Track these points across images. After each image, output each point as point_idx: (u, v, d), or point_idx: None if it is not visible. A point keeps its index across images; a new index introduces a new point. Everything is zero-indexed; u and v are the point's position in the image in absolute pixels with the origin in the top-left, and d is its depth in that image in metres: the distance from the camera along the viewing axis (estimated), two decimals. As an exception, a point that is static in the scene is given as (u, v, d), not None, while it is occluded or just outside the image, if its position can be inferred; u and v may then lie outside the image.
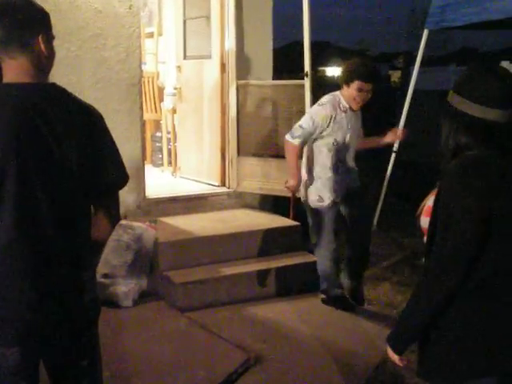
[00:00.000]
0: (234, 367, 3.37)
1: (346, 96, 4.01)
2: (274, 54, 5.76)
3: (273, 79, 5.66)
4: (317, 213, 4.12)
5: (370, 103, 4.07)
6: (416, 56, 5.61)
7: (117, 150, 1.91)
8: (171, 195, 5.32)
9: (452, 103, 1.84)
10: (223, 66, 5.40)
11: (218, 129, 5.53)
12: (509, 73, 1.80)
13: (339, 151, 4.03)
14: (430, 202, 1.99)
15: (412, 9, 23.15)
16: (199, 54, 5.73)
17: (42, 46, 1.77)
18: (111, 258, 4.33)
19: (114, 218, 1.99)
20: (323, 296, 4.38)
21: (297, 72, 7.05)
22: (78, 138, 1.77)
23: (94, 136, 1.81)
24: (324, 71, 27.06)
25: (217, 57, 5.44)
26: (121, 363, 3.37)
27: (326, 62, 27.44)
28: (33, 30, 1.76)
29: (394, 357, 1.96)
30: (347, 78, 3.97)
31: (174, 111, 6.33)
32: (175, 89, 6.07)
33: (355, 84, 3.92)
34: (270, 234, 4.80)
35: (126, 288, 4.24)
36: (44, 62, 1.79)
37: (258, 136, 5.34)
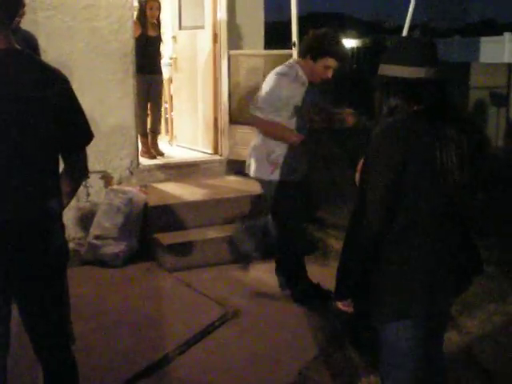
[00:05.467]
0: (211, 320, 3.59)
1: (309, 69, 3.63)
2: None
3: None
4: None
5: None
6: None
7: (81, 110, 2.08)
8: (164, 162, 5.52)
9: (382, 73, 2.01)
10: (215, 37, 5.53)
11: (210, 98, 5.67)
12: (430, 40, 2.01)
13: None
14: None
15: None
16: (193, 25, 5.85)
17: (18, 20, 1.92)
18: (103, 221, 4.55)
19: (81, 173, 2.19)
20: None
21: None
22: (44, 101, 1.93)
23: (59, 98, 1.97)
24: (339, 43, 26.90)
25: (209, 27, 5.56)
26: (104, 316, 3.60)
27: (342, 34, 27.32)
28: (17, 10, 1.91)
29: (338, 303, 2.14)
30: (318, 52, 3.55)
31: (170, 81, 6.47)
32: (171, 59, 6.21)
33: (326, 60, 3.56)
34: (256, 200, 4.96)
35: (116, 249, 4.46)
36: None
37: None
